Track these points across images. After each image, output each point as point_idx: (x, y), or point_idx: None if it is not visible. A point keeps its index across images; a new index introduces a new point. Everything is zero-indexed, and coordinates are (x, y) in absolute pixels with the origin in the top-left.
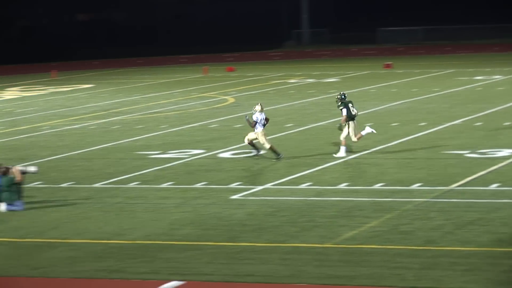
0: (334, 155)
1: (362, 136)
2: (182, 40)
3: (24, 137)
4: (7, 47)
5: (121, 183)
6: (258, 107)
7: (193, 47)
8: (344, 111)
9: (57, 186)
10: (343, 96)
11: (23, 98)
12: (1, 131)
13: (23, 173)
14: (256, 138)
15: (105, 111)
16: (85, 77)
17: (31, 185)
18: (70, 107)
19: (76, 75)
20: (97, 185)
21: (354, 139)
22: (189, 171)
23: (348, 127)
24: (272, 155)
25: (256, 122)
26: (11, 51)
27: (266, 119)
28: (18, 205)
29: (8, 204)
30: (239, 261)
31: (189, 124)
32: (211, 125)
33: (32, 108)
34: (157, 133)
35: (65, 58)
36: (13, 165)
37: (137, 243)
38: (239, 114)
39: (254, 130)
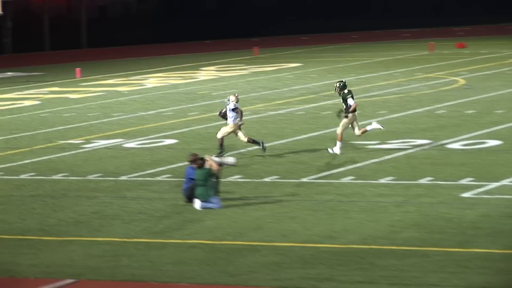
0: (330, 150)
1: (366, 131)
2: (403, 11)
3: (220, 124)
4: (202, 20)
5: (333, 178)
6: (233, 98)
7: (416, 20)
8: (352, 100)
9: (259, 181)
10: (343, 84)
11: (221, 79)
12: (195, 117)
13: (220, 165)
14: (235, 133)
15: (314, 94)
16: (292, 54)
17: (229, 179)
18: (274, 89)
19: (281, 52)
20: (305, 179)
21: (358, 132)
22: (412, 165)
23: (351, 120)
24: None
25: (225, 112)
26: (207, 26)
27: (240, 112)
28: (214, 202)
29: (203, 201)
30: (471, 270)
31: (412, 109)
32: (438, 110)
33: (230, 91)
34: (375, 119)
35: (269, 33)
36: (209, 156)
37: (351, 248)
38: (471, 98)
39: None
